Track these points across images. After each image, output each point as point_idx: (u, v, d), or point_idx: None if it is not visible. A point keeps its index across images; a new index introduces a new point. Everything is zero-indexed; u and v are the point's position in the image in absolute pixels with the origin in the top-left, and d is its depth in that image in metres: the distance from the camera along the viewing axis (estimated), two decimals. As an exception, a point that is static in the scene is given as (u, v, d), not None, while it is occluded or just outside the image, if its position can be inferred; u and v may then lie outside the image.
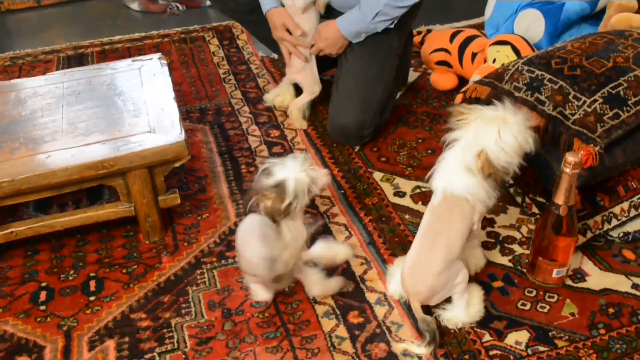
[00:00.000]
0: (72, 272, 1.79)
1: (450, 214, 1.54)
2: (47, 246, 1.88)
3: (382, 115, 2.25)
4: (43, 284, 1.75)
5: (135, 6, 3.55)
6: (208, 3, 3.53)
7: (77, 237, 1.91)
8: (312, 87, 2.34)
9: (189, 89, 2.67)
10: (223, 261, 1.79)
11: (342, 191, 2.04)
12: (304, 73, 2.33)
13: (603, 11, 2.51)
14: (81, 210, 1.83)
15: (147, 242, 1.87)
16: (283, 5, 2.26)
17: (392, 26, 2.19)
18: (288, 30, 2.25)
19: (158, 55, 2.20)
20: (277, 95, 2.44)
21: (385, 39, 2.23)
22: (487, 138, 1.51)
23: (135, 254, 1.84)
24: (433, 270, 1.51)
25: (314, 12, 2.26)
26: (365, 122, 2.17)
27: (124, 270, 1.78)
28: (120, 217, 1.84)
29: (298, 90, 2.41)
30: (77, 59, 2.99)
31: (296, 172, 1.56)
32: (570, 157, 1.50)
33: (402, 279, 1.57)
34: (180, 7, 3.50)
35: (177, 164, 1.77)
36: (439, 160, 1.59)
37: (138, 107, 1.91)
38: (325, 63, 2.37)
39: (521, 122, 1.54)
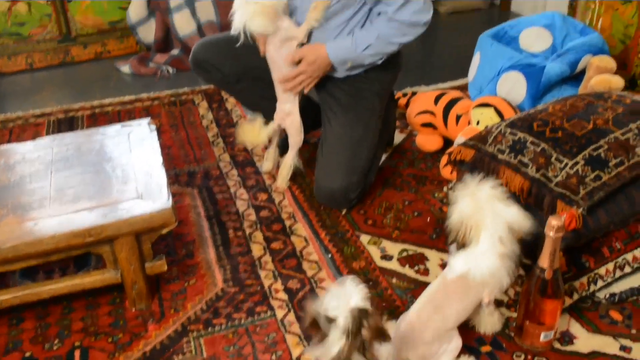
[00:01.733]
0: (56, 341, 1.77)
1: (461, 294, 1.54)
2: (32, 314, 1.87)
3: (367, 177, 2.27)
4: (27, 354, 1.73)
5: (126, 69, 3.61)
6: (198, 66, 3.59)
7: (63, 303, 1.89)
8: (296, 136, 2.33)
9: (177, 152, 2.69)
10: (210, 329, 1.78)
11: (330, 255, 2.04)
12: (291, 117, 2.31)
13: (583, 72, 2.57)
14: (67, 277, 1.82)
15: (134, 310, 1.86)
16: None
17: (380, 62, 2.21)
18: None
19: (147, 120, 2.23)
20: (266, 160, 2.47)
21: (368, 103, 2.26)
22: (500, 215, 1.51)
23: (122, 321, 1.82)
24: (425, 340, 1.51)
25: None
26: (352, 185, 2.19)
27: (110, 339, 1.76)
28: (107, 284, 1.83)
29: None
30: (68, 122, 3.02)
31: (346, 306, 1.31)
32: (553, 221, 1.51)
33: (393, 339, 1.54)
34: (171, 70, 3.56)
35: (164, 231, 1.78)
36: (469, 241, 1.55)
37: (126, 173, 1.92)
38: (307, 124, 2.39)
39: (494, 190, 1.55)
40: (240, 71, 2.37)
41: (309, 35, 2.20)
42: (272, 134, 2.38)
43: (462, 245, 1.55)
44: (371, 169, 2.29)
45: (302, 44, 2.19)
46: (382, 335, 1.33)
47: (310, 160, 2.47)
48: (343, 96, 2.26)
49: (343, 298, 1.32)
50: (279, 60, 2.21)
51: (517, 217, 1.53)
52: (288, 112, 2.31)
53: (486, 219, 1.51)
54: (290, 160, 2.36)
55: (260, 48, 2.23)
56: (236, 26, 2.14)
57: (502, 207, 1.53)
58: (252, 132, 2.39)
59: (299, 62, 2.19)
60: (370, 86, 2.27)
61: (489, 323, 1.70)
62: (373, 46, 2.15)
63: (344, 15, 2.15)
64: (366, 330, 1.31)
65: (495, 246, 1.51)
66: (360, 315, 1.30)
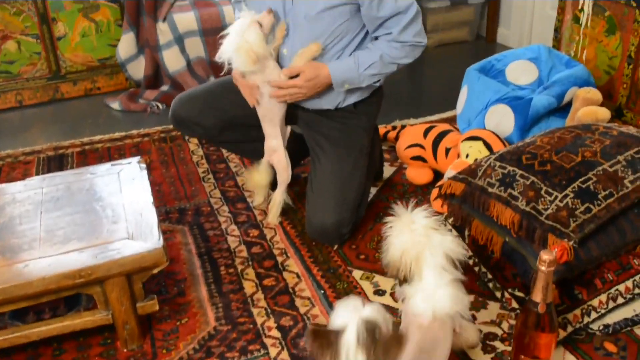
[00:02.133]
0: (47, 384, 1.75)
1: (444, 333, 1.54)
2: (22, 356, 1.84)
3: (358, 212, 2.27)
4: (17, 399, 1.71)
5: (116, 105, 3.62)
6: (188, 101, 3.60)
7: (53, 345, 1.87)
8: (283, 172, 2.33)
9: (168, 189, 2.69)
10: (203, 368, 1.77)
11: (322, 291, 2.03)
12: (278, 154, 2.31)
13: (570, 103, 2.60)
14: (58, 319, 1.80)
15: (125, 350, 1.83)
16: None
17: (378, 84, 2.23)
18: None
19: (137, 159, 2.23)
20: (257, 194, 2.47)
21: (357, 138, 2.27)
22: (438, 245, 1.52)
23: (113, 362, 1.80)
24: None
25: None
26: (344, 221, 2.19)
27: (101, 381, 1.74)
28: (98, 325, 1.81)
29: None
30: (57, 160, 3.01)
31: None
32: (544, 255, 1.51)
33: None
34: (160, 106, 3.57)
35: (155, 271, 1.77)
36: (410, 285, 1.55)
37: (117, 213, 1.92)
38: (296, 155, 2.40)
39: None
40: (222, 122, 2.36)
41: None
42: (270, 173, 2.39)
43: (403, 281, 1.54)
44: (361, 203, 2.29)
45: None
46: (396, 344, 1.33)
47: (300, 195, 2.48)
48: (331, 132, 2.27)
49: (353, 310, 1.34)
50: (265, 95, 2.21)
51: (453, 245, 1.54)
52: (274, 149, 2.31)
53: (425, 252, 1.52)
54: (280, 196, 2.36)
55: (243, 91, 2.24)
56: (221, 55, 2.13)
57: (438, 237, 1.53)
58: (258, 176, 2.40)
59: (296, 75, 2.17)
60: (358, 121, 2.29)
61: (470, 336, 1.71)
62: (375, 65, 2.15)
63: (341, 43, 2.17)
64: (378, 343, 1.31)
65: (443, 276, 1.51)
66: (372, 327, 1.30)
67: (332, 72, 2.15)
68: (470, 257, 2.08)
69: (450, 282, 1.53)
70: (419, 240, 1.52)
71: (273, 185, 2.42)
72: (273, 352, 1.80)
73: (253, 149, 2.41)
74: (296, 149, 2.44)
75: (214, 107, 2.34)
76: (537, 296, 1.56)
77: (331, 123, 2.28)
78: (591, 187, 1.76)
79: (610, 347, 1.77)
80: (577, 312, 1.77)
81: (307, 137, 2.36)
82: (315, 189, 2.23)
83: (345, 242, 2.26)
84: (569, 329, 1.77)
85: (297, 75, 2.16)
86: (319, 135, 2.29)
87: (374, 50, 2.16)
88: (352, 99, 2.26)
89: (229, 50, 2.10)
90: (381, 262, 1.65)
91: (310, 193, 2.25)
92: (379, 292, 2.02)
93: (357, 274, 2.10)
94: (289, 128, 2.36)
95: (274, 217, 2.38)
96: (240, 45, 2.08)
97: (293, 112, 2.31)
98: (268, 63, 2.15)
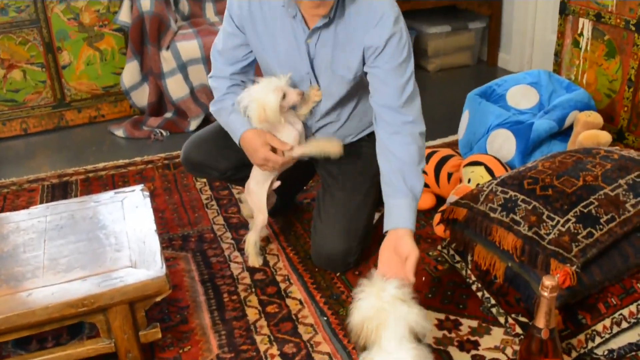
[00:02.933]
0: (50, 413, 1.74)
1: None
2: (25, 385, 1.84)
3: (366, 241, 2.27)
4: None
5: (120, 133, 3.64)
6: (191, 128, 3.63)
7: (56, 374, 1.87)
8: (258, 215, 2.27)
9: (171, 216, 2.69)
10: (206, 397, 1.76)
11: (325, 318, 2.03)
12: (254, 197, 2.26)
13: (571, 127, 2.61)
14: (60, 347, 1.80)
15: (128, 379, 1.83)
16: None
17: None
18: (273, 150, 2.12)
19: (140, 186, 2.24)
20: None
21: (369, 167, 2.20)
22: (402, 317, 1.50)
23: (116, 391, 1.80)
24: None
25: (295, 121, 2.15)
26: (351, 250, 2.18)
27: (104, 410, 1.74)
28: (101, 354, 1.81)
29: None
30: (62, 187, 3.03)
31: None
32: (547, 281, 1.51)
33: None
34: (164, 133, 3.59)
35: (158, 299, 1.77)
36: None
37: (120, 241, 1.92)
38: (293, 188, 2.39)
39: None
40: (235, 163, 2.28)
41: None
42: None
43: (363, 348, 1.51)
44: (369, 232, 2.29)
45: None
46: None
47: (304, 221, 2.48)
48: (344, 161, 2.22)
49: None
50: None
51: (418, 319, 1.51)
52: (250, 191, 2.26)
53: (388, 321, 1.48)
54: (252, 237, 2.30)
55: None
56: (240, 99, 2.07)
57: (404, 308, 1.50)
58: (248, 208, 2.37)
59: None
60: (371, 150, 2.14)
61: None
62: (421, 178, 1.98)
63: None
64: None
65: (403, 346, 1.48)
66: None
67: (409, 226, 1.91)
68: (473, 283, 2.08)
69: (410, 352, 1.48)
70: (384, 309, 1.49)
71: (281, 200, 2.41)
72: (276, 379, 1.80)
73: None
74: (299, 176, 2.44)
75: (227, 148, 2.24)
76: (540, 322, 1.55)
77: (345, 155, 2.22)
78: (593, 211, 1.77)
79: (616, 372, 1.76)
80: (581, 337, 1.77)
81: (318, 166, 2.33)
82: (323, 218, 2.20)
83: (348, 270, 2.25)
84: (574, 354, 1.76)
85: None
86: (330, 164, 2.25)
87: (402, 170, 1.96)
88: (367, 132, 2.27)
89: (247, 98, 2.06)
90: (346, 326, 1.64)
91: (318, 221, 2.22)
92: (382, 318, 2.01)
93: (360, 300, 2.10)
94: (277, 182, 2.27)
95: (253, 260, 2.31)
96: (257, 100, 2.03)
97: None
98: (279, 127, 2.10)
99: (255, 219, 2.29)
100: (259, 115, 2.03)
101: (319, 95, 2.10)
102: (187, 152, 2.33)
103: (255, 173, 2.25)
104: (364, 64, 2.01)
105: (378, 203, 2.41)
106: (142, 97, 3.74)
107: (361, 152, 2.27)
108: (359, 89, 2.13)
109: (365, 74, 2.04)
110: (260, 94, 2.03)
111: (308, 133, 2.22)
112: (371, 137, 2.24)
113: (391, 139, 1.97)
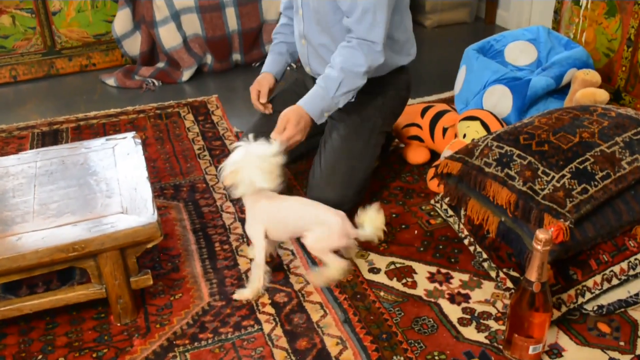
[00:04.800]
0: (40, 356, 1.74)
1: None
2: (15, 329, 1.84)
3: (361, 193, 2.26)
4: (9, 371, 1.70)
5: (111, 82, 3.59)
6: (184, 79, 3.58)
7: (46, 319, 1.86)
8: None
9: (163, 166, 2.67)
10: (196, 343, 1.76)
11: (317, 268, 2.03)
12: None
13: (568, 85, 2.59)
14: (51, 292, 1.79)
15: (119, 324, 1.83)
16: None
17: (353, 100, 2.16)
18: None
19: (132, 134, 2.21)
20: None
21: (370, 118, 2.25)
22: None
23: (106, 336, 1.80)
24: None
25: None
26: (347, 198, 2.18)
27: (95, 355, 1.74)
28: (92, 299, 1.81)
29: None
30: (52, 135, 2.99)
31: None
32: (541, 235, 1.51)
33: None
34: (156, 83, 3.54)
35: (149, 245, 1.76)
36: None
37: (111, 187, 1.90)
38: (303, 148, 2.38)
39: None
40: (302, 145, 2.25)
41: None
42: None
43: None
44: (366, 184, 2.29)
45: None
46: None
47: (300, 173, 2.47)
48: (345, 110, 2.23)
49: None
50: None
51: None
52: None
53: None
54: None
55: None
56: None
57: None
58: None
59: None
60: (373, 101, 2.26)
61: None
62: (343, 84, 2.08)
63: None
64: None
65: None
66: None
67: (307, 110, 2.09)
68: (465, 237, 2.08)
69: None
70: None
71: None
72: (267, 328, 1.80)
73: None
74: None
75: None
76: (532, 275, 1.56)
77: (347, 104, 2.20)
78: (588, 168, 1.76)
79: (604, 327, 1.77)
80: (572, 292, 1.77)
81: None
82: (322, 165, 2.22)
83: (341, 220, 2.25)
84: (563, 309, 1.77)
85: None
86: (334, 114, 2.24)
87: (334, 68, 2.08)
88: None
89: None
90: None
91: (317, 167, 2.23)
92: (374, 270, 2.01)
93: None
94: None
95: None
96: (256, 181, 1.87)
97: None
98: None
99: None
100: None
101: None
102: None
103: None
104: None
105: (378, 156, 2.40)
106: (134, 45, 3.67)
107: (363, 103, 2.26)
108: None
109: None
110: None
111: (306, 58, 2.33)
112: (373, 88, 2.25)
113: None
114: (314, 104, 2.11)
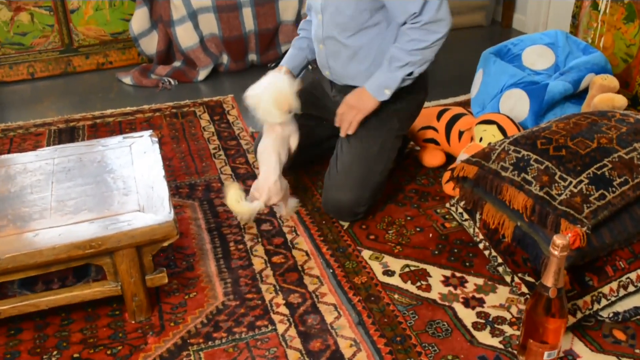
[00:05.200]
0: (55, 352, 1.75)
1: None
2: (31, 324, 1.85)
3: (376, 195, 2.27)
4: (25, 366, 1.71)
5: (127, 80, 3.61)
6: (200, 78, 3.59)
7: (62, 315, 1.87)
8: (282, 201, 2.23)
9: (179, 164, 2.68)
10: (210, 342, 1.76)
11: (331, 270, 2.03)
12: (274, 191, 2.17)
13: (586, 90, 2.57)
14: (67, 289, 1.80)
15: (133, 322, 1.84)
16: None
17: (413, 79, 2.18)
18: None
19: (149, 132, 2.22)
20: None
21: (387, 121, 2.26)
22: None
23: (121, 334, 1.80)
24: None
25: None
26: (362, 200, 2.19)
27: (109, 352, 1.74)
28: (107, 296, 1.82)
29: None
30: (68, 132, 3.01)
31: None
32: (558, 240, 1.50)
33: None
34: (173, 82, 3.56)
35: (165, 244, 1.76)
36: None
37: (128, 185, 1.91)
38: (319, 151, 2.41)
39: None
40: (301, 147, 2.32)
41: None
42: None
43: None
44: (382, 187, 2.30)
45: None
46: None
47: (311, 174, 2.48)
48: None
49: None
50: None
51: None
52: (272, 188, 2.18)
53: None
54: (288, 212, 2.30)
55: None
56: (258, 117, 2.18)
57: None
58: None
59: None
60: (391, 105, 2.24)
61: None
62: (400, 58, 2.12)
63: (367, 39, 2.18)
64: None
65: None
66: None
67: (368, 87, 2.18)
68: (480, 241, 2.07)
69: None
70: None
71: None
72: (281, 328, 1.80)
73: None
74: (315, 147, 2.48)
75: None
76: (549, 280, 1.55)
77: None
78: (606, 173, 1.75)
79: (619, 334, 1.76)
80: (587, 298, 1.76)
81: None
82: (339, 166, 2.24)
83: (356, 221, 2.25)
84: (579, 315, 1.76)
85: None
86: None
87: (394, 47, 2.14)
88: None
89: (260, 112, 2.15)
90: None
91: (334, 168, 2.25)
92: (388, 273, 2.01)
93: (366, 253, 2.10)
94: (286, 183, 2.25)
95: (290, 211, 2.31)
96: (271, 102, 2.11)
97: (333, 101, 2.34)
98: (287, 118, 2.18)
99: (282, 204, 2.26)
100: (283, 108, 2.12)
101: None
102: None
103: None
104: None
105: (394, 159, 2.40)
106: (151, 44, 3.69)
107: (380, 108, 2.24)
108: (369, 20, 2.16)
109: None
110: (273, 91, 2.13)
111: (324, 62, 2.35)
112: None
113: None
114: (375, 81, 2.17)
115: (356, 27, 2.16)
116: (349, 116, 2.22)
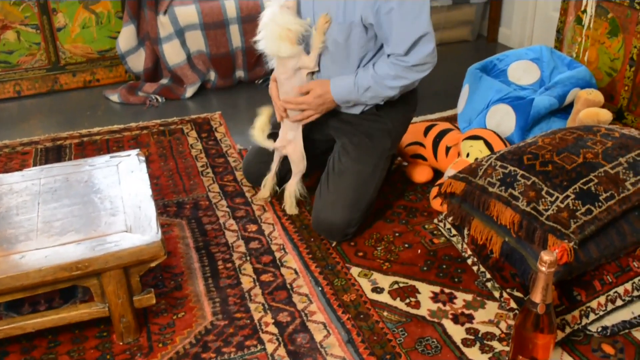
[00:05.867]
0: (42, 376, 1.73)
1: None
2: (17, 347, 1.83)
3: (367, 214, 2.28)
4: (11, 390, 1.69)
5: (115, 98, 3.60)
6: (187, 95, 3.59)
7: (48, 337, 1.86)
8: (299, 163, 2.35)
9: (166, 183, 2.67)
10: (199, 363, 1.75)
11: (320, 288, 2.02)
12: (293, 145, 2.33)
13: (571, 105, 2.59)
14: (53, 311, 1.79)
15: (121, 343, 1.82)
16: None
17: (382, 103, 2.23)
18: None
19: (136, 151, 2.21)
20: (263, 186, 2.47)
21: (379, 143, 2.27)
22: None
23: (109, 355, 1.79)
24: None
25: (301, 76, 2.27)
26: (353, 221, 2.20)
27: (97, 374, 1.73)
28: (94, 318, 1.80)
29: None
30: (55, 151, 3.00)
31: None
32: (545, 256, 1.51)
33: None
34: (160, 99, 3.55)
35: (153, 264, 1.75)
36: None
37: (115, 205, 1.90)
38: (310, 166, 2.41)
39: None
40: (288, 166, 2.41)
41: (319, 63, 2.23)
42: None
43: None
44: (372, 205, 2.30)
45: (312, 73, 2.23)
46: None
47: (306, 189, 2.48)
48: (355, 134, 2.28)
49: None
50: (288, 87, 2.24)
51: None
52: (290, 140, 2.33)
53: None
54: (294, 186, 2.38)
55: (274, 102, 2.33)
56: (261, 47, 2.19)
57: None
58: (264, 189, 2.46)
59: (306, 92, 2.22)
60: (383, 125, 2.28)
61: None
62: (371, 89, 2.15)
63: (355, 52, 2.17)
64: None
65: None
66: None
67: (332, 90, 2.19)
68: (469, 257, 2.08)
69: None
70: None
71: (280, 180, 2.45)
72: (270, 348, 1.79)
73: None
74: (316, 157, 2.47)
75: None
76: (537, 297, 1.55)
77: (356, 126, 2.29)
78: (592, 188, 1.76)
79: (608, 349, 1.76)
80: (576, 313, 1.77)
81: (333, 134, 2.39)
82: (330, 186, 2.24)
83: (345, 240, 2.25)
84: (567, 330, 1.76)
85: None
86: (343, 137, 2.31)
87: (369, 72, 2.15)
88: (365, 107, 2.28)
89: (268, 43, 2.17)
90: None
91: (325, 189, 2.25)
92: (377, 290, 2.01)
93: (355, 271, 2.09)
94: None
95: (290, 207, 2.40)
96: (279, 34, 2.14)
97: (323, 122, 2.35)
98: (297, 49, 2.19)
99: (296, 167, 2.36)
100: (290, 40, 2.15)
101: (329, 21, 2.14)
102: (246, 170, 2.54)
103: (288, 124, 2.31)
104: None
105: (385, 179, 2.41)
106: (138, 62, 3.69)
107: (373, 127, 2.28)
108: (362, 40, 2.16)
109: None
110: (274, 26, 2.15)
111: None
112: (381, 111, 2.28)
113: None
114: (341, 90, 2.19)
115: (346, 56, 2.19)
116: (309, 112, 2.23)
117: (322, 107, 2.22)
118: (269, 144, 2.36)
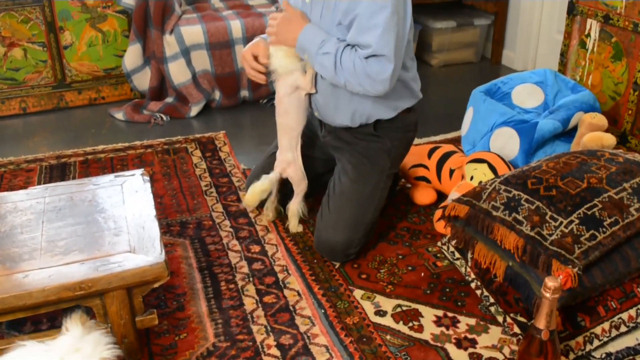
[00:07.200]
0: (43, 396, 1.72)
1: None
2: (18, 367, 1.82)
3: (369, 235, 2.27)
4: (12, 411, 1.68)
5: (120, 116, 3.61)
6: (192, 114, 3.60)
7: (50, 357, 1.85)
8: (301, 183, 2.36)
9: (170, 202, 2.67)
10: (200, 385, 1.75)
11: (323, 310, 2.02)
12: (293, 166, 2.34)
13: (575, 128, 2.60)
14: (56, 330, 1.77)
15: (123, 364, 1.82)
16: None
17: (320, 76, 2.20)
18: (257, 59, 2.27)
19: (141, 171, 2.22)
20: (266, 209, 2.47)
21: (379, 162, 2.27)
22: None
23: (110, 376, 1.78)
24: None
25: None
26: (354, 242, 2.19)
27: (98, 395, 1.72)
28: (96, 338, 1.79)
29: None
30: (60, 168, 3.00)
31: None
32: (550, 282, 1.50)
33: None
34: (165, 118, 3.57)
35: (156, 285, 1.75)
36: None
37: (119, 225, 1.91)
38: (312, 187, 2.41)
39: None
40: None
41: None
42: (270, 186, 2.40)
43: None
44: (374, 226, 2.30)
45: (309, 94, 2.26)
46: None
47: (308, 210, 2.48)
48: (354, 155, 2.28)
49: None
50: (288, 105, 2.26)
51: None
52: (290, 161, 2.34)
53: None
54: (297, 206, 2.39)
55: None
56: (273, 67, 2.22)
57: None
58: (261, 187, 2.43)
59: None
60: (382, 145, 2.27)
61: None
62: (329, 57, 2.05)
63: None
64: None
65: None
66: None
67: (304, 31, 2.10)
68: (472, 280, 2.07)
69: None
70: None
71: (282, 200, 2.45)
72: (272, 370, 1.79)
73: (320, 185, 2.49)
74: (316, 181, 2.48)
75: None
76: (541, 323, 1.55)
77: (355, 147, 2.29)
78: (597, 214, 1.76)
79: (612, 375, 1.75)
80: (580, 339, 1.76)
81: (333, 153, 2.40)
82: (331, 207, 2.24)
83: (348, 261, 2.25)
84: (571, 356, 1.75)
85: None
86: (342, 157, 2.31)
87: (340, 44, 2.05)
88: (368, 111, 2.22)
89: (276, 62, 2.22)
90: None
91: (326, 209, 2.25)
92: (380, 313, 2.00)
93: (358, 293, 2.09)
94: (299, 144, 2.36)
95: (294, 226, 2.42)
96: (284, 52, 2.20)
97: (322, 141, 2.37)
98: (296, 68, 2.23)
99: (297, 188, 2.38)
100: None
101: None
102: (250, 184, 2.49)
103: (286, 143, 2.34)
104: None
105: (388, 200, 2.41)
106: (143, 80, 3.71)
107: (372, 147, 2.28)
108: None
109: None
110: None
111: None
112: (379, 130, 2.26)
113: None
114: (308, 36, 2.09)
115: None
116: (271, 29, 2.18)
117: (283, 33, 2.14)
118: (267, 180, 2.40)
